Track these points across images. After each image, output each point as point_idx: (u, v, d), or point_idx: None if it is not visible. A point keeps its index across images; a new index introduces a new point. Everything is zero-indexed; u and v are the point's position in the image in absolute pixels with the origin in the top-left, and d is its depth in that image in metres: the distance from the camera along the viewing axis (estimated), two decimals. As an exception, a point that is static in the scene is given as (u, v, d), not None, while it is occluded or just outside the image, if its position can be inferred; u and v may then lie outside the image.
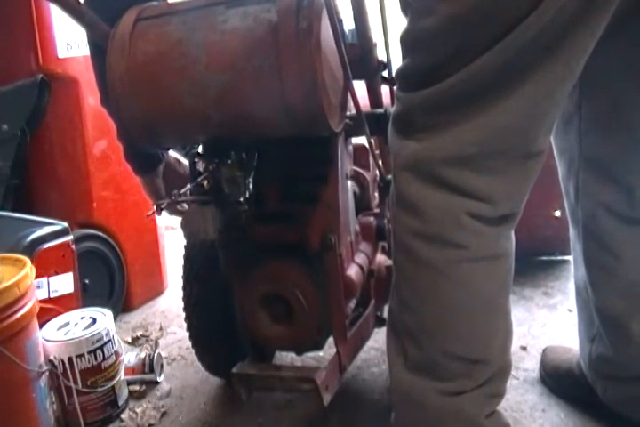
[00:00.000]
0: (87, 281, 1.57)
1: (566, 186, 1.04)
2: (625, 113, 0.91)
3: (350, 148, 1.15)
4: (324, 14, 0.82)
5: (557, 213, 1.76)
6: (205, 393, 1.34)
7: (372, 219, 1.24)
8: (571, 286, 1.18)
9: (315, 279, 1.03)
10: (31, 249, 1.26)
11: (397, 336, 0.86)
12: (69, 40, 1.56)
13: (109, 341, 1.23)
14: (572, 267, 1.12)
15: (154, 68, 0.86)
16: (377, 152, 1.23)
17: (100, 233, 1.67)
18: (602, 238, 1.00)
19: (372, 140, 1.13)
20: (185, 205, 1.17)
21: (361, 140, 1.19)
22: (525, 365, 1.33)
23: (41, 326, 1.17)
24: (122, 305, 1.77)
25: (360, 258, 1.15)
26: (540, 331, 1.49)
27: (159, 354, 1.42)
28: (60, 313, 1.27)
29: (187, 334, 1.26)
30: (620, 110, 0.91)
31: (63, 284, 1.34)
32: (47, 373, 1.12)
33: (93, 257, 1.63)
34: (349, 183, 1.11)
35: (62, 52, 1.55)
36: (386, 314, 1.03)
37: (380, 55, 1.06)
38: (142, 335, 1.64)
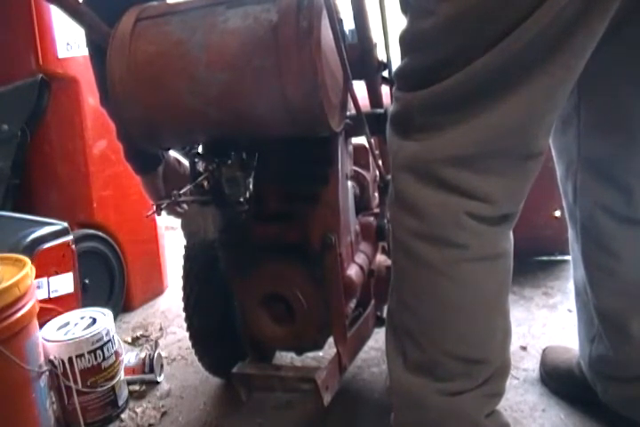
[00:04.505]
0: (87, 281, 1.57)
1: (565, 186, 1.04)
2: (624, 113, 0.91)
3: (350, 148, 1.15)
4: (323, 14, 0.82)
5: (557, 214, 1.76)
6: (205, 393, 1.34)
7: (371, 219, 1.24)
8: (571, 286, 1.18)
9: (315, 279, 1.03)
10: (31, 249, 1.26)
11: (397, 336, 0.86)
12: (69, 40, 1.56)
13: (109, 341, 1.23)
14: (571, 267, 1.12)
15: (154, 68, 0.86)
16: (377, 152, 1.23)
17: (100, 233, 1.67)
18: (600, 239, 1.00)
19: (372, 140, 1.13)
20: (185, 206, 1.17)
21: (361, 140, 1.19)
22: (525, 365, 1.33)
23: (41, 326, 1.17)
24: (122, 305, 1.77)
25: (360, 258, 1.15)
26: (540, 331, 1.49)
27: (159, 354, 1.42)
28: (60, 313, 1.27)
29: (187, 334, 1.26)
30: (618, 111, 0.91)
31: (63, 284, 1.34)
32: (47, 373, 1.12)
33: (93, 257, 1.63)
34: (349, 183, 1.11)
35: (62, 52, 1.56)
36: (385, 314, 1.03)
37: (380, 55, 1.06)
38: (142, 335, 1.64)
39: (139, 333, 1.65)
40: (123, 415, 1.26)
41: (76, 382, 1.18)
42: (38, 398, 1.08)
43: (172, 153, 1.21)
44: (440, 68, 0.72)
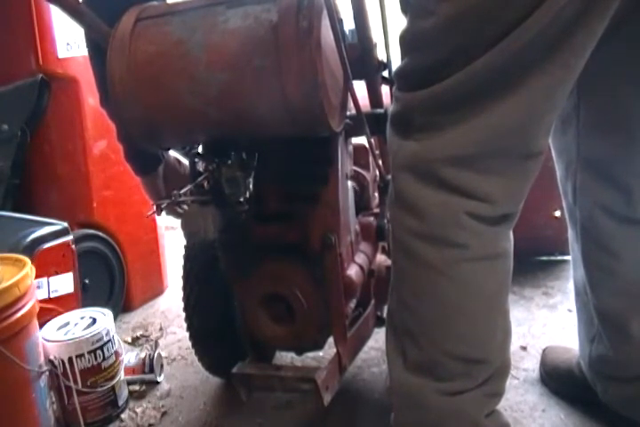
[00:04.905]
0: (87, 281, 1.57)
1: (564, 186, 1.04)
2: (623, 113, 0.91)
3: (350, 148, 1.15)
4: (324, 14, 0.82)
5: (557, 214, 1.76)
6: (205, 393, 1.34)
7: (372, 219, 1.24)
8: (570, 286, 1.18)
9: (315, 279, 1.03)
10: (31, 249, 1.26)
11: (397, 336, 0.86)
12: (69, 40, 1.56)
13: (109, 341, 1.23)
14: (571, 267, 1.12)
15: (154, 68, 0.86)
16: (377, 152, 1.23)
17: (100, 233, 1.67)
18: (600, 239, 1.00)
19: (372, 140, 1.13)
20: (185, 206, 1.17)
21: (361, 140, 1.19)
22: (525, 365, 1.33)
23: (41, 326, 1.17)
24: (122, 305, 1.77)
25: (360, 258, 1.15)
26: (540, 331, 1.49)
27: (159, 354, 1.42)
28: (60, 313, 1.27)
29: (187, 334, 1.26)
30: (618, 110, 0.91)
31: (63, 284, 1.34)
32: (47, 373, 1.12)
33: (93, 257, 1.64)
34: (349, 183, 1.11)
35: (62, 52, 1.56)
36: (385, 314, 1.03)
37: (380, 55, 1.06)
38: (142, 335, 1.64)
39: (139, 333, 1.65)
40: (123, 415, 1.26)
41: (75, 382, 1.18)
42: (38, 398, 1.08)
43: (172, 153, 1.21)
44: (440, 67, 0.71)
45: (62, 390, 1.19)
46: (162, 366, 1.42)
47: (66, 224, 1.36)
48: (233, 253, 1.08)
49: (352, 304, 1.13)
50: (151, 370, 1.37)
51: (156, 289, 1.91)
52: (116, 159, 1.63)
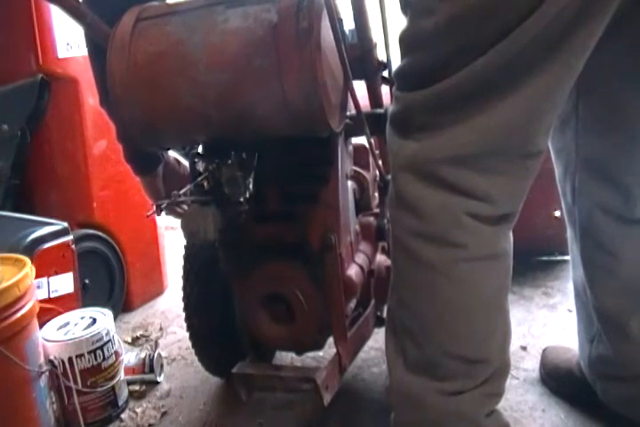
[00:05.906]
0: (87, 281, 1.57)
1: (563, 186, 1.04)
2: (622, 113, 0.91)
3: (350, 148, 1.15)
4: (324, 14, 0.82)
5: (557, 214, 1.76)
6: (205, 393, 1.34)
7: (372, 219, 1.24)
8: (570, 286, 1.18)
9: (315, 279, 1.03)
10: (31, 249, 1.26)
11: (396, 336, 0.86)
12: (69, 40, 1.56)
13: (109, 341, 1.23)
14: (570, 267, 1.12)
15: (154, 69, 0.86)
16: (377, 152, 1.23)
17: (100, 233, 1.67)
18: (599, 238, 1.00)
19: (372, 140, 1.13)
20: (184, 206, 1.17)
21: (361, 140, 1.19)
22: (525, 365, 1.34)
23: (41, 326, 1.17)
24: (122, 305, 1.77)
25: (360, 258, 1.14)
26: (540, 331, 1.49)
27: (159, 354, 1.42)
28: (60, 313, 1.27)
29: (187, 334, 1.26)
30: (617, 110, 0.92)
31: (63, 284, 1.34)
32: (47, 373, 1.12)
33: (93, 257, 1.64)
34: (349, 183, 1.11)
35: (62, 52, 1.56)
36: (385, 314, 1.03)
37: (380, 55, 1.06)
38: (142, 335, 1.64)
39: (139, 333, 1.65)
40: (123, 415, 1.26)
41: (75, 382, 1.18)
42: (38, 398, 1.08)
43: (172, 153, 1.21)
44: (440, 67, 0.72)
45: (62, 390, 1.19)
46: (162, 366, 1.42)
47: (66, 224, 1.36)
48: (233, 253, 1.08)
49: (352, 304, 1.13)
50: (151, 370, 1.37)
51: (156, 289, 1.91)
52: (116, 159, 1.63)
